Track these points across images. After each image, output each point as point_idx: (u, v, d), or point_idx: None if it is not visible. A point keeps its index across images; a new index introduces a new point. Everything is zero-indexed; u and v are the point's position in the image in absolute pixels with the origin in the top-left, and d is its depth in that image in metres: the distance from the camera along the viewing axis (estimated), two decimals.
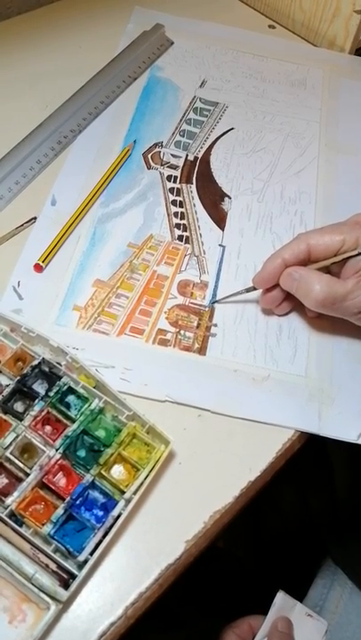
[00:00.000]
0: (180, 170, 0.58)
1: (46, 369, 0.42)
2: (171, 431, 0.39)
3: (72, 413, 0.40)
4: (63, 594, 0.34)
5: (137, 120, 0.61)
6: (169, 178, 0.57)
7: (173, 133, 0.60)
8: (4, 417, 0.39)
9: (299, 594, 0.54)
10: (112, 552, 0.37)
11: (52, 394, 0.40)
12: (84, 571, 0.34)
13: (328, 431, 0.43)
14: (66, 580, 0.34)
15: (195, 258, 0.51)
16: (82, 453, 0.39)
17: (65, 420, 0.40)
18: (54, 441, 0.38)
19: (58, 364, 0.42)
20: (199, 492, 0.39)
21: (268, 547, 0.71)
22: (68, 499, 0.36)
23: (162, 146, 0.59)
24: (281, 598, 0.50)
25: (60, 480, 0.38)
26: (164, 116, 0.62)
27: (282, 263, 0.45)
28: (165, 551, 0.37)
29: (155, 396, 0.43)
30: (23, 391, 0.40)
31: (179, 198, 0.55)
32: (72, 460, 0.38)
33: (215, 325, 0.47)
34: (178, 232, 0.53)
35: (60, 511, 0.36)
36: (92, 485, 0.37)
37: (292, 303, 0.48)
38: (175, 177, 0.57)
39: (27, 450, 0.39)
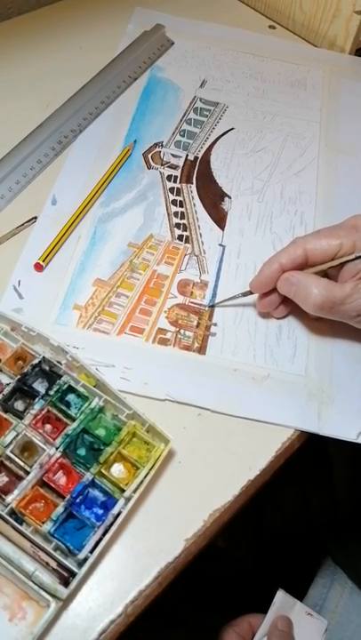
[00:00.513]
0: (180, 170, 0.58)
1: (46, 368, 0.42)
2: (170, 430, 0.40)
3: (72, 412, 0.40)
4: (63, 591, 0.34)
5: (137, 120, 0.61)
6: (169, 178, 0.57)
7: (174, 133, 0.61)
8: (5, 415, 0.39)
9: (299, 593, 0.55)
10: (112, 550, 0.37)
11: (52, 392, 0.40)
12: (84, 569, 0.35)
13: (328, 430, 0.43)
14: (66, 577, 0.35)
15: (195, 257, 0.51)
16: (82, 452, 0.39)
17: (65, 419, 0.40)
18: (54, 439, 0.39)
19: (58, 362, 0.42)
20: (199, 490, 0.40)
21: (268, 546, 0.71)
22: (68, 497, 0.36)
23: (162, 146, 0.59)
24: (281, 597, 0.50)
25: (61, 478, 0.38)
26: (164, 116, 0.62)
27: (279, 268, 0.45)
28: (165, 549, 0.37)
29: (155, 394, 0.43)
30: (23, 390, 0.41)
31: (179, 198, 0.56)
32: (72, 458, 0.38)
33: (215, 325, 0.47)
34: (178, 232, 0.53)
35: (60, 509, 0.36)
36: (92, 484, 0.37)
37: (290, 306, 0.48)
38: (175, 177, 0.57)
39: (27, 448, 0.39)
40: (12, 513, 0.36)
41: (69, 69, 0.64)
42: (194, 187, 0.57)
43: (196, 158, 0.59)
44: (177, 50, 0.69)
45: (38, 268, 0.48)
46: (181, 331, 0.47)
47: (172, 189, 0.56)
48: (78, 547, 0.35)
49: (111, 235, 0.52)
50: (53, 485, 0.37)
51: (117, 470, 0.39)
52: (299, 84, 0.68)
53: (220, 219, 0.54)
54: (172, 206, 0.55)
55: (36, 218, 0.52)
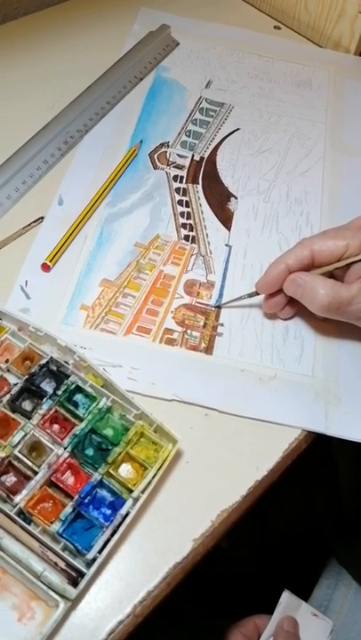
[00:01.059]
0: (186, 170, 0.58)
1: (54, 368, 0.42)
2: (178, 430, 0.40)
3: (80, 412, 0.40)
4: (72, 592, 0.34)
5: (143, 120, 0.61)
6: (175, 178, 0.57)
7: (179, 133, 0.61)
8: (13, 415, 0.39)
9: (303, 594, 0.55)
10: (120, 550, 0.37)
11: (59, 393, 0.40)
12: (93, 569, 0.35)
13: (335, 430, 0.43)
14: (74, 578, 0.35)
15: (201, 258, 0.51)
16: (90, 452, 0.39)
17: (73, 419, 0.40)
18: (62, 439, 0.39)
19: (66, 362, 0.42)
20: (206, 490, 0.40)
21: (272, 547, 0.71)
22: (76, 497, 0.36)
23: (168, 146, 0.59)
24: (287, 598, 0.50)
25: (69, 479, 0.38)
26: (170, 117, 0.62)
27: (285, 269, 0.45)
28: (173, 550, 0.37)
29: (162, 395, 0.43)
30: (31, 390, 0.41)
31: (185, 198, 0.56)
32: (80, 458, 0.38)
33: (222, 325, 0.47)
34: (184, 232, 0.53)
35: (68, 509, 0.36)
36: (101, 484, 0.37)
37: (296, 307, 0.48)
38: (181, 177, 0.57)
39: (35, 448, 0.39)
40: (21, 513, 0.36)
41: (75, 69, 0.64)
42: (200, 187, 0.57)
43: (202, 158, 0.59)
44: (182, 50, 0.69)
45: (45, 268, 0.48)
46: (188, 331, 0.47)
47: (178, 189, 0.56)
48: (87, 547, 0.35)
49: (118, 235, 0.52)
50: (61, 485, 0.37)
51: (125, 470, 0.39)
52: (304, 85, 0.68)
53: (226, 219, 0.54)
54: (178, 206, 0.55)
55: (42, 218, 0.52)
